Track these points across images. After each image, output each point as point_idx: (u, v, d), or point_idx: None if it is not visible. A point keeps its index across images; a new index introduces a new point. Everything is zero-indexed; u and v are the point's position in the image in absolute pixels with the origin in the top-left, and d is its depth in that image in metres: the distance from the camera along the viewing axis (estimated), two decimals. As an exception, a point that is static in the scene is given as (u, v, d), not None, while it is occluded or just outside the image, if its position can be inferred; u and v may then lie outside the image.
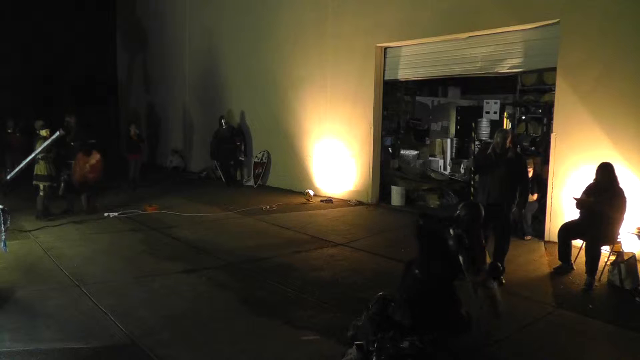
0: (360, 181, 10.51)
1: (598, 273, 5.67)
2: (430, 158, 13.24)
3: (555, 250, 6.34)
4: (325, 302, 5.05)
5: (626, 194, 5.65)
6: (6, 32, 15.15)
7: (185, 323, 4.51)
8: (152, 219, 8.68)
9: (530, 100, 11.09)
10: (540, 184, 7.66)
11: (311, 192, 10.92)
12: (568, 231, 6.01)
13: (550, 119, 9.01)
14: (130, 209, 9.26)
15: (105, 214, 8.87)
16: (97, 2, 17.86)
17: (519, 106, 11.69)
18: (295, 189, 11.58)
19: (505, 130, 6.70)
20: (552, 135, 7.56)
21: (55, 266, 6.04)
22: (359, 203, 10.32)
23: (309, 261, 6.50)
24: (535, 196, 7.59)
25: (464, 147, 12.93)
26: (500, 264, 4.64)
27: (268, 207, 9.88)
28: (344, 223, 8.69)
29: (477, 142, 10.93)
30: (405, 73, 10.17)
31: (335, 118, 10.88)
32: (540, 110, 10.98)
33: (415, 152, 12.86)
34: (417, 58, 9.82)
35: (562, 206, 7.22)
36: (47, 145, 7.29)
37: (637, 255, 5.79)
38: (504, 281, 4.70)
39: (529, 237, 7.49)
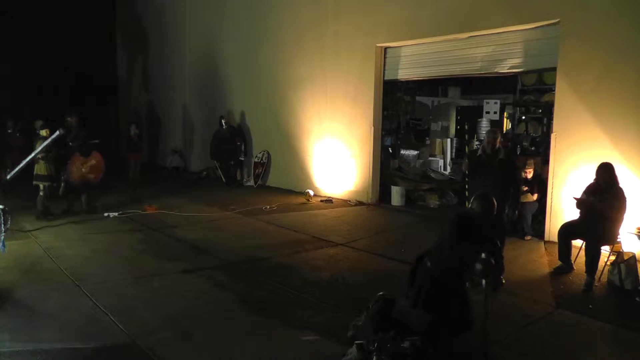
0: (360, 181, 10.51)
1: (598, 273, 5.67)
2: (430, 158, 13.25)
3: (555, 250, 6.34)
4: (325, 302, 5.05)
5: (626, 194, 5.65)
6: (6, 32, 15.15)
7: (185, 323, 4.51)
8: (152, 219, 8.68)
9: (530, 100, 11.11)
10: (540, 184, 7.66)
11: (311, 192, 10.92)
12: (568, 231, 6.00)
13: (550, 119, 9.03)
14: (130, 209, 9.26)
15: (105, 214, 8.87)
16: (97, 2, 17.85)
17: (519, 106, 11.72)
18: (295, 189, 11.58)
19: (494, 130, 6.71)
20: (552, 135, 7.56)
21: (55, 266, 6.04)
22: (359, 203, 10.32)
23: (309, 261, 6.50)
24: (535, 196, 7.59)
25: (464, 147, 12.95)
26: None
27: (268, 207, 9.88)
28: (344, 223, 8.69)
29: (477, 143, 10.94)
30: (405, 73, 10.16)
31: (335, 118, 10.88)
32: (540, 110, 11.01)
33: (415, 152, 12.86)
34: (417, 58, 9.81)
35: (562, 206, 7.22)
36: (47, 145, 7.29)
37: (637, 255, 5.79)
38: (504, 281, 4.71)
39: (529, 237, 7.49)
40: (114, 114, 18.61)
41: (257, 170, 12.63)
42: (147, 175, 13.22)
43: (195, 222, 8.59)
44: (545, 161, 8.27)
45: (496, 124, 12.44)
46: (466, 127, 11.43)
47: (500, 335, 4.26)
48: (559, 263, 6.11)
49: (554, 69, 7.56)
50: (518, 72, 9.30)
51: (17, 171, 6.27)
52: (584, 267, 5.65)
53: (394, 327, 3.65)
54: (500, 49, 8.46)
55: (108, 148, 12.32)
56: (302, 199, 10.72)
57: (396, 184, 10.40)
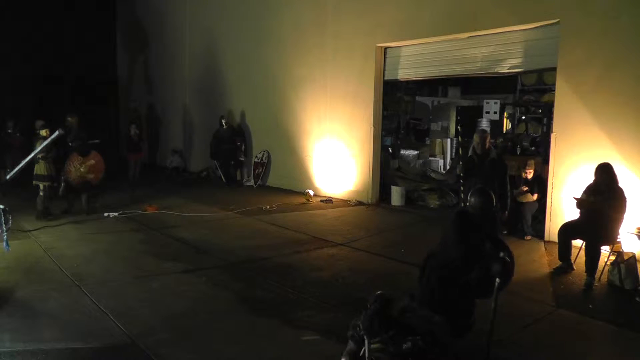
0: (360, 181, 10.51)
1: (598, 273, 5.67)
2: (430, 158, 13.26)
3: (555, 250, 6.34)
4: (325, 302, 5.05)
5: (626, 194, 5.65)
6: (6, 32, 15.14)
7: (185, 323, 4.51)
8: (152, 219, 8.68)
9: (530, 100, 11.12)
10: (540, 184, 7.66)
11: (311, 192, 10.92)
12: (568, 231, 6.01)
13: (550, 119, 9.03)
14: (130, 209, 9.26)
15: (105, 214, 8.87)
16: (97, 2, 17.85)
17: (519, 106, 11.73)
18: (295, 189, 11.58)
19: (484, 130, 6.74)
20: (552, 135, 7.56)
21: (55, 266, 6.04)
22: (359, 203, 10.32)
23: (309, 261, 6.50)
24: (535, 196, 7.59)
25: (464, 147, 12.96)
26: None
27: (268, 207, 9.88)
28: (344, 223, 8.69)
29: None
30: (405, 73, 10.17)
31: (335, 118, 10.88)
32: (540, 110, 11.01)
33: (415, 152, 12.87)
34: (417, 58, 9.82)
35: (562, 206, 7.22)
36: (47, 145, 7.29)
37: (637, 255, 5.79)
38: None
39: (529, 237, 7.49)
40: (114, 114, 18.61)
41: (257, 170, 12.63)
42: (147, 175, 13.21)
43: (195, 222, 8.59)
44: (545, 161, 8.27)
45: (496, 124, 12.46)
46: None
47: (501, 335, 4.26)
48: (559, 263, 6.12)
49: (554, 69, 7.56)
50: (518, 72, 9.30)
51: (16, 171, 6.27)
52: (584, 267, 5.66)
53: (394, 327, 3.65)
54: (500, 49, 8.47)
55: (108, 148, 12.32)
56: (302, 199, 10.72)
57: (396, 184, 10.41)
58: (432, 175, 11.72)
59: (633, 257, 5.65)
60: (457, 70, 9.32)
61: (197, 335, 4.28)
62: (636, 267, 5.56)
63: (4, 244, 5.64)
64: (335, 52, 10.77)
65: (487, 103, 12.06)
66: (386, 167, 11.09)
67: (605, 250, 5.90)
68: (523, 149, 10.63)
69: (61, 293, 5.15)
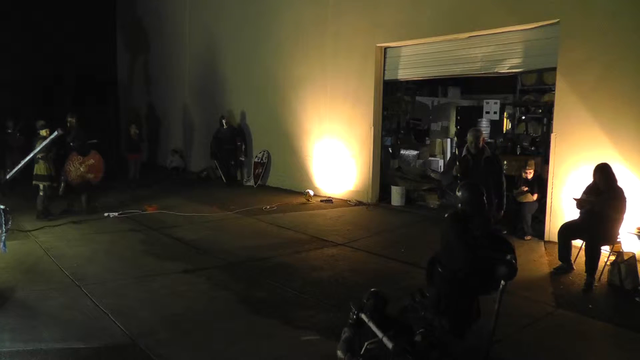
0: (360, 181, 10.51)
1: (598, 273, 5.67)
2: (430, 158, 13.25)
3: (555, 250, 6.34)
4: (325, 302, 5.05)
5: (626, 194, 5.65)
6: (6, 32, 15.14)
7: (185, 323, 4.51)
8: (152, 219, 8.68)
9: (530, 100, 11.10)
10: (540, 184, 7.66)
11: (311, 192, 10.92)
12: (568, 231, 6.00)
13: (550, 119, 9.01)
14: (130, 209, 9.26)
15: (105, 214, 8.87)
16: (97, 2, 17.84)
17: (519, 106, 11.70)
18: (295, 189, 11.58)
19: (477, 129, 6.70)
20: (552, 135, 7.56)
21: (55, 266, 6.04)
22: (359, 203, 10.32)
23: (309, 261, 6.50)
24: (535, 196, 7.59)
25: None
26: None
27: (268, 207, 9.88)
28: (344, 223, 8.69)
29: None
30: (405, 73, 10.17)
31: (335, 118, 10.88)
32: (540, 110, 10.99)
33: (415, 152, 12.86)
34: (417, 58, 9.81)
35: (562, 206, 7.22)
36: (46, 144, 7.29)
37: (637, 255, 5.79)
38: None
39: (529, 237, 7.49)
40: (114, 114, 18.60)
41: (257, 170, 12.63)
42: (147, 175, 13.21)
43: (195, 222, 8.59)
44: (545, 161, 8.27)
45: (496, 124, 12.44)
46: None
47: (501, 335, 4.26)
48: (559, 263, 6.11)
49: (554, 69, 7.56)
50: (518, 72, 9.29)
51: (16, 171, 6.28)
52: (584, 267, 5.65)
53: (394, 327, 3.65)
54: (500, 49, 8.47)
55: (108, 148, 12.32)
56: (302, 199, 10.72)
57: (396, 184, 10.40)
58: (432, 175, 11.71)
59: (633, 257, 5.65)
60: (457, 70, 9.32)
61: (197, 335, 4.28)
62: (636, 267, 5.56)
63: (2, 245, 5.64)
64: (335, 52, 10.77)
65: (487, 103, 12.04)
66: (386, 167, 11.08)
67: (605, 250, 5.89)
68: (523, 149, 10.61)
69: (61, 293, 5.16)
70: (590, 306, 5.07)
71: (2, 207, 5.67)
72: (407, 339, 3.38)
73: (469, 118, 13.21)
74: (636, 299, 5.23)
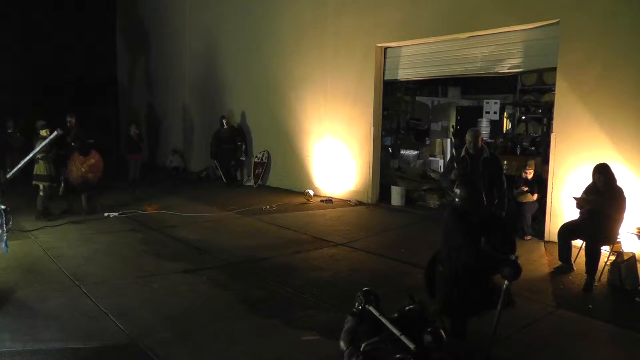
0: (360, 181, 10.51)
1: (598, 273, 5.67)
2: (430, 158, 13.25)
3: (555, 250, 6.34)
4: (325, 302, 5.05)
5: (625, 194, 5.65)
6: (6, 32, 15.13)
7: (185, 323, 4.51)
8: (152, 219, 8.68)
9: (530, 100, 11.10)
10: (540, 184, 7.66)
11: (311, 192, 10.92)
12: (568, 231, 6.00)
13: (550, 119, 9.02)
14: (130, 209, 9.26)
15: (105, 214, 8.87)
16: (97, 2, 17.84)
17: (519, 106, 11.71)
18: (295, 189, 11.58)
19: (476, 129, 6.66)
20: (552, 135, 7.56)
21: (55, 266, 6.04)
22: (359, 203, 10.32)
23: (309, 261, 6.50)
24: (535, 196, 7.59)
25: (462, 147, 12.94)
26: None
27: (268, 207, 9.88)
28: (344, 223, 8.69)
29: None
30: (405, 73, 10.17)
31: (335, 118, 10.88)
32: (540, 110, 11.00)
33: (415, 152, 12.87)
34: (417, 58, 9.81)
35: (562, 206, 7.22)
36: (46, 144, 7.29)
37: (637, 255, 5.79)
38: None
39: (529, 237, 7.48)
40: (114, 114, 18.60)
41: (257, 170, 12.63)
42: (147, 175, 13.21)
43: (195, 222, 8.59)
44: (545, 161, 8.27)
45: (496, 124, 12.44)
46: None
47: (501, 335, 4.26)
48: (559, 263, 6.11)
49: (554, 69, 7.56)
50: (518, 72, 9.29)
51: (16, 171, 6.27)
52: (584, 267, 5.65)
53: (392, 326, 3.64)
54: (500, 49, 8.46)
55: (108, 148, 12.31)
56: (302, 199, 10.72)
57: (396, 184, 10.40)
58: (432, 175, 11.72)
59: (633, 257, 5.65)
60: (457, 70, 9.32)
61: (197, 335, 4.28)
62: (636, 267, 5.56)
63: (3, 244, 5.64)
64: (335, 52, 10.77)
65: (487, 103, 12.05)
66: (386, 167, 11.08)
67: (605, 250, 5.89)
68: (523, 149, 10.62)
69: (61, 293, 5.15)
70: (590, 306, 5.07)
71: (2, 207, 5.67)
72: (416, 339, 3.37)
73: (469, 118, 13.21)
74: (636, 299, 5.23)
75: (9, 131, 11.41)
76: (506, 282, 3.70)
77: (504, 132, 12.33)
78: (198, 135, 14.86)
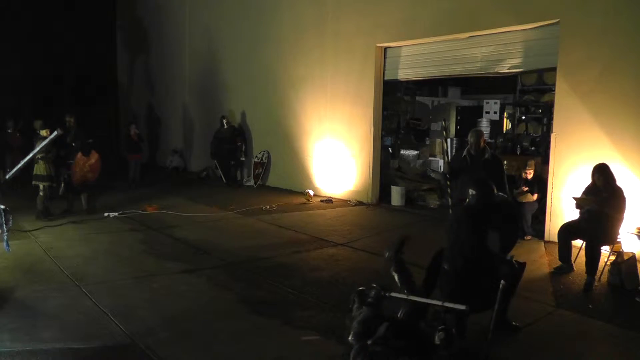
0: (360, 181, 10.51)
1: (598, 273, 5.67)
2: (430, 158, 13.24)
3: (555, 250, 6.34)
4: (325, 302, 5.05)
5: (625, 194, 5.65)
6: (6, 32, 15.14)
7: (185, 323, 4.51)
8: (152, 219, 8.68)
9: (530, 100, 11.11)
10: (540, 184, 7.66)
11: (311, 192, 10.92)
12: (568, 231, 6.00)
13: (550, 119, 9.03)
14: (130, 209, 9.26)
15: (105, 214, 8.87)
16: (97, 2, 17.85)
17: (519, 106, 11.72)
18: (295, 189, 11.58)
19: (479, 130, 6.65)
20: (552, 135, 7.56)
21: (55, 266, 6.04)
22: (359, 203, 10.32)
23: (309, 261, 6.50)
24: (535, 196, 7.59)
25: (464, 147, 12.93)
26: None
27: (268, 207, 9.88)
28: (344, 223, 8.69)
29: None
30: (405, 73, 10.16)
31: (335, 118, 10.88)
32: (540, 110, 11.01)
33: (415, 152, 12.86)
34: (417, 58, 9.81)
35: (562, 206, 7.22)
36: (45, 144, 7.28)
37: (637, 255, 5.79)
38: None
39: (529, 237, 7.48)
40: (114, 114, 18.61)
41: (257, 170, 12.63)
42: (147, 175, 13.21)
43: (195, 222, 8.59)
44: (545, 161, 8.27)
45: (496, 124, 12.45)
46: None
47: (500, 335, 4.26)
48: (559, 263, 6.11)
49: (554, 69, 7.56)
50: (518, 72, 9.30)
51: (16, 171, 6.26)
52: (584, 267, 5.65)
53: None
54: (500, 49, 8.46)
55: (108, 148, 12.31)
56: (302, 199, 10.72)
57: (396, 184, 10.40)
58: (433, 175, 11.72)
59: (633, 257, 5.65)
60: (457, 70, 9.32)
61: (197, 335, 4.28)
62: (636, 267, 5.56)
63: (5, 244, 5.64)
64: (335, 52, 10.77)
65: (487, 103, 12.06)
66: (386, 167, 11.08)
67: (605, 250, 5.89)
68: (523, 149, 10.62)
69: (61, 293, 5.15)
70: (590, 306, 5.07)
71: (2, 207, 5.66)
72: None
73: (468, 118, 13.21)
74: (636, 299, 5.23)
75: (9, 131, 11.41)
76: (502, 281, 3.70)
77: (504, 132, 12.33)
78: (198, 135, 14.86)
